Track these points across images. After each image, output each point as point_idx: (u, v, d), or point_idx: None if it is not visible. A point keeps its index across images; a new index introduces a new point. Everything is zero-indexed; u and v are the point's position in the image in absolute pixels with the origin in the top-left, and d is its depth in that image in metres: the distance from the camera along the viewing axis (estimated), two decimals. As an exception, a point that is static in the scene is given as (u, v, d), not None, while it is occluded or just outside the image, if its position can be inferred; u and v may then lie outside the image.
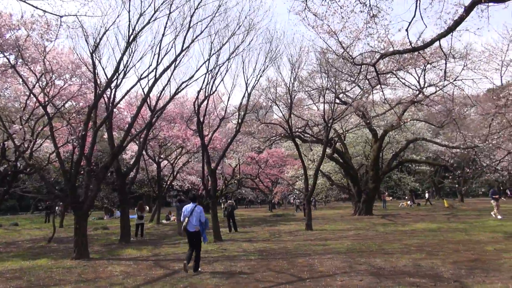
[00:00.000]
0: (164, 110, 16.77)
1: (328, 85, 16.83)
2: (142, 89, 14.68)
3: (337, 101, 19.24)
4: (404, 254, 9.32)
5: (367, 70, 14.42)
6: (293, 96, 16.04)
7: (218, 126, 15.25)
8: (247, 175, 35.21)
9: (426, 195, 40.15)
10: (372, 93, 16.40)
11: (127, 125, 15.46)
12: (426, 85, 20.63)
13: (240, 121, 14.34)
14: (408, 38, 10.76)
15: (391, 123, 22.52)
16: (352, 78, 18.67)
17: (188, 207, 8.52)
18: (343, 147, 26.64)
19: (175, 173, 25.13)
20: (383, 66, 16.68)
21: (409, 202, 38.69)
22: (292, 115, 17.16)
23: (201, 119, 14.12)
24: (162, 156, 24.16)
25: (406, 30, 10.62)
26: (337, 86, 17.38)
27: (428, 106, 22.50)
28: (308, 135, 21.51)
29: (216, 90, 14.24)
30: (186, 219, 8.32)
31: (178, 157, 24.41)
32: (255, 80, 16.66)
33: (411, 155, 31.31)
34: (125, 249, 12.34)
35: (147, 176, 25.94)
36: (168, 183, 26.26)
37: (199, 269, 8.26)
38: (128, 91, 12.32)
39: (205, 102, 14.41)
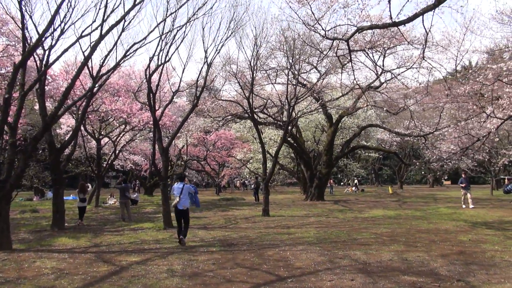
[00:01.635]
0: (108, 79, 14.68)
1: (290, 64, 15.66)
2: (83, 52, 12.53)
3: (296, 82, 18.23)
4: (381, 245, 8.55)
5: (338, 47, 13.47)
6: (255, 71, 14.71)
7: (171, 99, 13.58)
8: (194, 156, 33.63)
9: (355, 181, 41.10)
10: (342, 72, 15.55)
11: (62, 94, 13.27)
12: (385, 70, 20.29)
13: (198, 94, 12.79)
14: (389, 10, 9.90)
15: (348, 107, 22.05)
16: (315, 58, 17.70)
17: (177, 186, 9.19)
18: (296, 130, 25.94)
19: (116, 152, 22.86)
20: (352, 44, 15.89)
21: (353, 188, 39.50)
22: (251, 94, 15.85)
23: (153, 90, 12.37)
24: (102, 132, 21.76)
25: (389, 1, 9.77)
26: (299, 66, 16.30)
27: (381, 93, 22.32)
28: (266, 115, 20.37)
29: (170, 59, 12.50)
30: (177, 198, 8.95)
31: (121, 135, 22.13)
32: (216, 50, 15.08)
33: (361, 141, 31.50)
34: (58, 237, 10.44)
35: (85, 154, 23.38)
36: (108, 163, 23.91)
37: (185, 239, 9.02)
38: (66, 50, 10.21)
39: (158, 72, 12.67)
